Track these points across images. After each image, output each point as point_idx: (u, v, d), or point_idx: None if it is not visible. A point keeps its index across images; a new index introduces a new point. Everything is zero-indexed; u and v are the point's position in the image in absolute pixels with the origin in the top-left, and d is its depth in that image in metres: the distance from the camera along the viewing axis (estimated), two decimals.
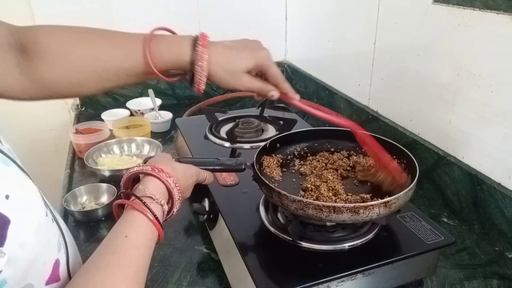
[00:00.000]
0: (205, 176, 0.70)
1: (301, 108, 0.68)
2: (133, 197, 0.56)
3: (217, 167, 0.73)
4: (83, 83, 0.60)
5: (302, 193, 0.71)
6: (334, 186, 0.70)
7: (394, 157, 0.77)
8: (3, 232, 0.38)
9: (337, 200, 0.67)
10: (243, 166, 0.72)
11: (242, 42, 0.66)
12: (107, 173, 1.03)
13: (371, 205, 0.60)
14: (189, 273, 0.76)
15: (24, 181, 0.45)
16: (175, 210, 0.61)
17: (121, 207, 0.58)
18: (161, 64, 0.60)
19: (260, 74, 0.66)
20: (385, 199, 0.61)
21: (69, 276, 0.52)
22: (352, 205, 0.60)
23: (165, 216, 0.59)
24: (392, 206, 0.62)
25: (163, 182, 0.59)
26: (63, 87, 0.59)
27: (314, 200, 0.66)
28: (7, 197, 0.39)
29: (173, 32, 0.64)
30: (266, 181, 0.67)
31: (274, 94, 0.65)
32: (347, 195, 0.69)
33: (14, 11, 1.35)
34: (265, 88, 0.65)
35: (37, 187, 0.49)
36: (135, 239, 0.51)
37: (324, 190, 0.69)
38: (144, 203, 0.54)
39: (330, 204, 0.60)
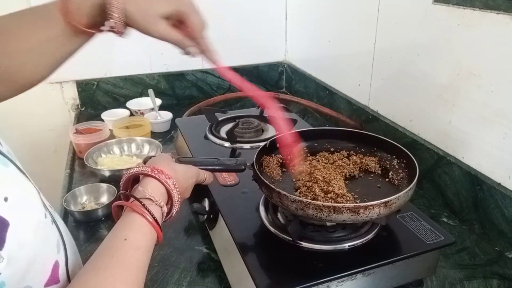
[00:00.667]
0: (205, 176, 0.70)
1: (221, 73, 0.66)
2: (132, 199, 0.56)
3: (217, 167, 0.73)
4: (25, 62, 0.58)
5: (295, 193, 0.71)
6: (328, 186, 0.70)
7: (394, 157, 0.78)
8: (2, 235, 0.38)
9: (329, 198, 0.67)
10: (243, 167, 0.72)
11: None
12: (107, 173, 1.03)
13: (371, 205, 0.60)
14: (189, 273, 0.76)
15: (23, 183, 0.45)
16: (174, 211, 0.61)
17: (121, 208, 0.58)
18: (82, 18, 0.56)
19: (182, 24, 0.61)
20: (385, 199, 0.61)
21: (68, 278, 0.52)
22: (352, 205, 0.60)
23: (164, 217, 0.59)
24: (392, 206, 0.62)
25: (162, 183, 0.59)
26: (17, 74, 0.57)
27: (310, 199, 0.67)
28: (5, 199, 0.39)
29: None
30: (266, 181, 0.67)
31: (191, 50, 0.61)
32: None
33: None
34: (182, 42, 0.61)
35: (37, 188, 0.48)
36: (134, 241, 0.51)
37: (317, 189, 0.69)
38: (143, 205, 0.54)
39: (330, 204, 0.60)
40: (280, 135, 0.71)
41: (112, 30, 0.58)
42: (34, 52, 0.57)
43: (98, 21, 0.57)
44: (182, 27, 0.62)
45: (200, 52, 0.63)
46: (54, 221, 0.51)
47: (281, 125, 0.70)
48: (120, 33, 0.58)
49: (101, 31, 0.59)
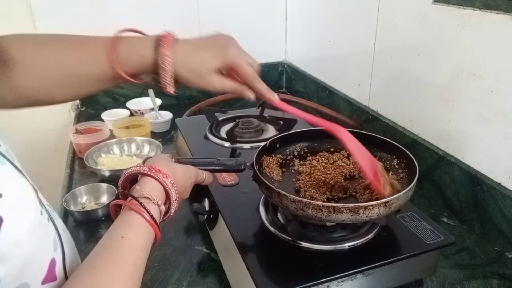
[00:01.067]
0: (204, 176, 0.70)
1: (280, 108, 0.65)
2: (130, 198, 0.56)
3: (217, 167, 0.73)
4: (54, 90, 0.59)
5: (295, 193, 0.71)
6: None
7: (394, 157, 0.78)
8: None
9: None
10: (242, 167, 0.72)
11: (211, 39, 0.62)
12: (107, 173, 1.03)
13: (371, 205, 0.60)
14: (189, 273, 0.76)
15: (18, 180, 0.45)
16: (172, 210, 0.61)
17: (119, 207, 0.58)
18: (127, 67, 0.58)
19: (234, 72, 0.62)
20: (385, 199, 0.61)
21: (66, 276, 0.52)
22: (352, 205, 0.60)
23: (162, 216, 0.59)
24: (392, 206, 0.62)
25: (160, 182, 0.59)
26: (36, 93, 0.59)
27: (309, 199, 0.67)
28: (0, 195, 0.40)
29: (143, 33, 0.62)
30: (266, 181, 0.66)
31: (249, 94, 0.62)
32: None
33: (14, 12, 1.35)
34: (239, 89, 0.62)
35: (34, 187, 0.49)
36: (131, 240, 0.51)
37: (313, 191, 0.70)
38: (141, 203, 0.54)
39: (329, 204, 0.60)
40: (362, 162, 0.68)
41: (160, 86, 0.59)
42: (69, 82, 0.59)
43: (142, 73, 0.60)
44: (233, 73, 0.62)
45: (257, 95, 0.63)
46: (50, 219, 0.51)
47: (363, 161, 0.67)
48: (170, 93, 0.60)
49: (143, 80, 0.61)
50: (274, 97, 0.64)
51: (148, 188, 0.57)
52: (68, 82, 0.59)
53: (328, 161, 0.80)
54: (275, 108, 1.16)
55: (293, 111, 0.66)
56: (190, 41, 0.61)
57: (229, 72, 0.62)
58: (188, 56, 0.59)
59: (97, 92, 0.63)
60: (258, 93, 0.63)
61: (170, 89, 0.59)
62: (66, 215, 0.92)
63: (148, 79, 0.62)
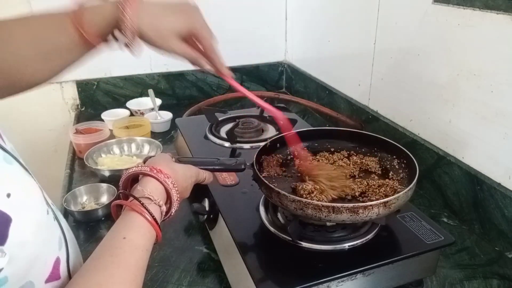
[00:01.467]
0: (205, 176, 0.70)
1: (232, 85, 0.69)
2: (131, 198, 0.56)
3: (217, 167, 0.73)
4: (31, 69, 0.59)
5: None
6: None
7: (394, 157, 0.78)
8: (4, 230, 0.38)
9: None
10: (242, 166, 0.72)
11: (178, 5, 0.62)
12: (107, 173, 1.03)
13: (370, 205, 0.60)
14: (189, 273, 0.76)
15: (26, 180, 0.45)
16: (173, 210, 0.61)
17: (120, 207, 0.58)
18: (92, 30, 0.57)
19: (195, 40, 0.63)
20: (385, 199, 0.61)
21: (69, 275, 0.52)
22: (351, 205, 0.60)
23: (163, 216, 0.59)
24: (391, 206, 0.62)
25: (161, 183, 0.59)
26: (16, 77, 0.58)
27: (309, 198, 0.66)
28: (8, 195, 0.39)
29: None
30: (266, 181, 0.67)
31: (205, 64, 0.63)
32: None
33: (14, 12, 1.35)
34: (197, 59, 0.63)
35: (39, 186, 0.49)
36: (133, 241, 0.51)
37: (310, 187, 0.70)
38: (142, 204, 0.54)
39: (329, 204, 0.60)
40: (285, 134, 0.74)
41: (125, 46, 0.59)
42: (41, 58, 0.58)
43: (109, 34, 0.59)
44: (192, 42, 0.63)
45: (211, 66, 0.65)
46: (56, 218, 0.51)
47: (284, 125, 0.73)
48: (132, 50, 0.60)
49: (109, 42, 0.60)
50: (226, 71, 0.66)
51: (150, 189, 0.57)
52: (42, 59, 0.58)
53: (328, 161, 0.80)
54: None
55: (242, 90, 0.69)
56: (156, 3, 0.60)
57: (188, 40, 0.62)
58: (154, 17, 0.59)
59: (71, 65, 0.61)
60: (213, 64, 0.64)
61: (134, 45, 0.59)
62: (66, 215, 0.92)
63: (119, 44, 0.61)
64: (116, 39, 0.60)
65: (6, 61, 0.57)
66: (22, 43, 0.57)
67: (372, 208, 0.60)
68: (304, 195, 0.68)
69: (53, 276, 0.48)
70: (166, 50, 0.61)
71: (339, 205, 0.60)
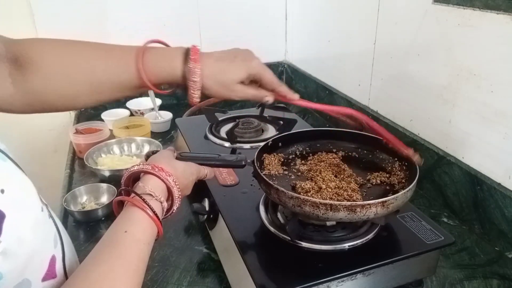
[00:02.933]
0: (206, 172, 0.71)
1: (302, 105, 0.71)
2: (133, 194, 0.56)
3: (217, 163, 0.73)
4: (77, 96, 0.61)
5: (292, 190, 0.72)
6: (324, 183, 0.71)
7: (396, 158, 0.78)
8: None
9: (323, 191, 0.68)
10: (243, 163, 0.72)
11: (232, 53, 0.65)
12: (107, 173, 1.03)
13: (368, 204, 0.60)
14: (189, 273, 0.76)
15: (20, 177, 0.45)
16: (175, 208, 0.62)
17: (121, 204, 0.58)
18: (154, 77, 0.60)
19: (254, 80, 0.66)
20: (383, 199, 0.61)
21: (65, 274, 0.52)
22: (349, 203, 0.60)
23: (164, 213, 0.60)
24: (389, 206, 0.62)
25: (163, 180, 0.60)
26: (57, 99, 0.60)
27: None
28: (2, 191, 0.40)
29: (166, 45, 0.65)
30: (265, 178, 0.67)
31: (269, 99, 0.67)
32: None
33: (14, 12, 1.35)
34: (259, 95, 0.66)
35: (34, 184, 0.49)
36: (134, 234, 0.52)
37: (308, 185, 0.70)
38: (143, 200, 0.55)
39: (326, 201, 0.60)
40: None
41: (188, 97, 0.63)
42: (93, 89, 0.61)
43: (168, 84, 0.63)
44: (257, 81, 0.67)
45: (278, 97, 0.68)
46: (50, 216, 0.51)
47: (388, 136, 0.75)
48: (194, 104, 0.64)
49: (171, 93, 0.65)
50: (295, 96, 0.69)
51: (151, 186, 0.58)
52: (92, 89, 0.60)
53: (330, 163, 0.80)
54: (275, 108, 1.17)
55: (313, 106, 0.72)
56: (214, 54, 0.64)
57: (250, 81, 0.66)
58: (215, 69, 0.62)
59: (117, 99, 0.65)
60: (282, 95, 0.68)
61: (196, 100, 0.62)
62: (66, 215, 0.92)
63: (167, 89, 0.65)
64: (174, 88, 0.64)
65: (55, 94, 0.59)
66: (78, 77, 0.59)
67: (370, 207, 0.60)
68: (302, 193, 0.68)
69: (50, 274, 0.48)
70: (229, 97, 0.65)
71: (336, 203, 0.60)
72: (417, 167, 0.69)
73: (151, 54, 0.60)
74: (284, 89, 0.67)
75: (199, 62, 0.60)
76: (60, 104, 0.62)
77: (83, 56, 0.60)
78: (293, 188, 0.71)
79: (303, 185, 0.69)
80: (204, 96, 0.64)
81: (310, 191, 0.68)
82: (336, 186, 0.69)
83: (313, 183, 0.70)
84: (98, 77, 0.60)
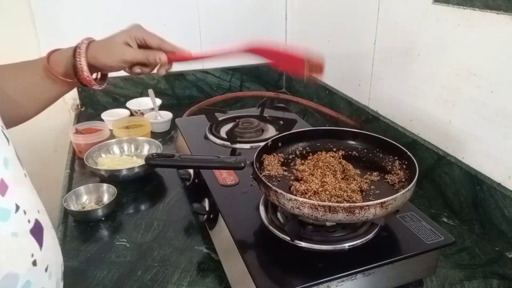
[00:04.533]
0: (156, 56, 0.71)
1: (198, 58, 0.73)
2: None
3: (217, 165, 0.73)
4: (17, 106, 0.67)
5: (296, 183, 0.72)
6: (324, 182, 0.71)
7: (396, 158, 0.78)
8: None
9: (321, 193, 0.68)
10: (242, 164, 0.72)
11: (121, 30, 0.71)
12: (107, 173, 1.02)
13: (367, 205, 0.60)
14: (189, 273, 0.76)
15: None
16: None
17: None
18: (57, 68, 0.67)
19: (142, 46, 0.70)
20: (381, 200, 0.61)
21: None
22: (347, 205, 0.60)
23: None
24: (388, 206, 0.62)
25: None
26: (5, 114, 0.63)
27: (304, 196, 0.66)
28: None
29: None
30: (264, 179, 0.67)
31: (161, 56, 0.69)
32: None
33: (14, 12, 1.35)
34: (150, 55, 0.69)
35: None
36: None
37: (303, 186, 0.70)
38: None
39: (325, 203, 0.60)
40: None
41: (87, 81, 0.69)
42: (24, 93, 0.67)
43: (72, 72, 0.68)
44: (144, 43, 0.71)
45: (172, 56, 0.71)
46: None
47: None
48: (85, 80, 0.69)
49: (76, 81, 0.69)
50: (185, 52, 0.72)
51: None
52: (23, 95, 0.68)
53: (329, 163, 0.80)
54: (275, 108, 1.17)
55: (211, 53, 0.73)
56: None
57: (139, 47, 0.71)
58: (99, 43, 0.69)
59: (49, 102, 0.71)
60: (172, 51, 0.71)
61: (86, 74, 0.68)
62: (66, 215, 0.92)
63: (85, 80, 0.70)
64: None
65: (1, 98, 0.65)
66: (10, 80, 0.66)
67: (368, 208, 0.60)
68: (298, 195, 0.68)
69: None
70: (119, 62, 0.69)
71: (335, 204, 0.60)
72: (417, 167, 0.69)
73: (55, 52, 0.69)
74: (171, 45, 0.70)
75: (84, 43, 0.68)
76: (15, 120, 0.68)
77: (12, 70, 0.68)
78: (290, 189, 0.71)
79: (298, 187, 0.70)
80: (96, 70, 0.69)
81: (307, 193, 0.68)
82: (336, 187, 0.69)
83: (312, 184, 0.70)
84: (24, 82, 0.68)
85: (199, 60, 0.72)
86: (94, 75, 0.71)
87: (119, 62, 0.68)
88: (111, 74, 0.76)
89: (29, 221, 0.45)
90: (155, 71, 0.73)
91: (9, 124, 0.62)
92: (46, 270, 0.46)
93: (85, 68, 0.67)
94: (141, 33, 0.70)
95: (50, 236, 0.50)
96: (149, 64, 0.71)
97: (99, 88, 0.72)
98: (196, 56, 0.73)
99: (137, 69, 0.71)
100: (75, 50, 0.67)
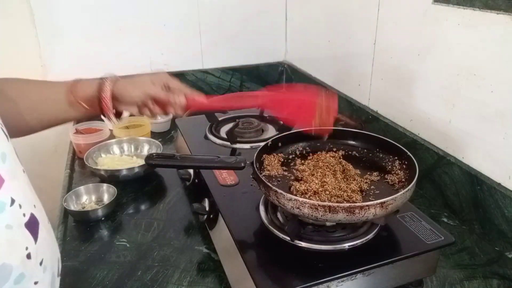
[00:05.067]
0: (177, 100, 0.75)
1: (212, 108, 0.78)
2: None
3: (217, 165, 0.73)
4: (24, 117, 0.68)
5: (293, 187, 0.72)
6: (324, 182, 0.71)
7: (396, 158, 0.78)
8: None
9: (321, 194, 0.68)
10: (242, 164, 0.72)
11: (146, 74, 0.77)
12: (107, 173, 1.02)
13: (367, 206, 0.60)
14: (189, 273, 0.76)
15: None
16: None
17: None
18: (80, 94, 0.70)
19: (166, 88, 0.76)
20: (381, 200, 0.61)
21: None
22: (347, 205, 0.60)
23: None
24: (388, 207, 0.62)
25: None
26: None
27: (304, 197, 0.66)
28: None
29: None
30: (264, 179, 0.67)
31: (181, 98, 0.75)
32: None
33: (14, 12, 1.35)
34: (172, 96, 0.74)
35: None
36: None
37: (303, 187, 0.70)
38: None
39: (325, 203, 0.60)
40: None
41: (106, 110, 0.72)
42: (37, 108, 0.69)
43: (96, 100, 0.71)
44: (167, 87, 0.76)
45: (189, 101, 0.76)
46: None
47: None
48: (111, 117, 0.72)
49: (95, 109, 0.72)
50: (201, 97, 0.77)
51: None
52: (36, 110, 0.69)
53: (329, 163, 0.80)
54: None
55: (223, 106, 0.80)
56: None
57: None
58: (126, 79, 0.74)
59: (58, 123, 0.73)
60: (191, 98, 0.76)
61: (109, 103, 0.71)
62: (66, 215, 0.92)
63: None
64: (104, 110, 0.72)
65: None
66: (28, 93, 0.69)
67: (368, 208, 0.60)
68: (297, 195, 0.68)
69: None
70: (143, 95, 0.72)
71: (335, 204, 0.60)
72: (417, 167, 0.69)
73: (78, 80, 0.72)
74: (190, 91, 0.76)
75: (110, 79, 0.72)
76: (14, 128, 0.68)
77: (33, 83, 0.71)
78: (290, 189, 0.71)
79: (298, 187, 0.70)
80: (115, 104, 0.72)
81: (307, 193, 0.68)
82: (336, 187, 0.69)
83: (312, 184, 0.70)
84: (41, 97, 0.70)
85: (215, 109, 0.78)
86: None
87: (142, 93, 0.72)
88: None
89: (24, 215, 0.46)
90: (169, 112, 0.77)
91: (11, 134, 0.63)
92: (40, 264, 0.47)
93: (108, 95, 0.71)
94: (166, 78, 0.76)
95: (46, 231, 0.50)
96: (168, 103, 0.75)
97: (115, 122, 0.76)
98: (215, 106, 0.79)
99: (151, 105, 0.75)
100: (102, 80, 0.71)
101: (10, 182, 0.44)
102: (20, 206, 0.45)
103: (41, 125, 0.71)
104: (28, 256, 0.45)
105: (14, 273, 0.43)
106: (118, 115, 0.76)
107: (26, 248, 0.45)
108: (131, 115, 0.78)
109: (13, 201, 0.44)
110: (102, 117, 0.73)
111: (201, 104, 0.77)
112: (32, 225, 0.47)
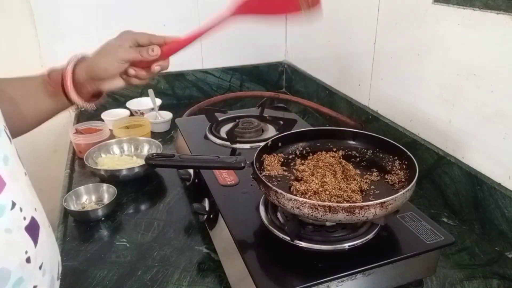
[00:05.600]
0: (154, 50, 0.70)
1: (191, 40, 0.71)
2: None
3: (216, 165, 0.73)
4: (18, 118, 0.68)
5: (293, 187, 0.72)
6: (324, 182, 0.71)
7: (396, 158, 0.78)
8: None
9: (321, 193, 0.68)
10: (242, 164, 0.72)
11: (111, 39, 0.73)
12: (107, 173, 1.02)
13: (367, 206, 0.60)
14: (189, 273, 0.76)
15: None
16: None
17: None
18: (56, 82, 0.69)
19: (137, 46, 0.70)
20: (381, 200, 0.61)
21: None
22: (347, 205, 0.60)
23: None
24: (388, 207, 0.62)
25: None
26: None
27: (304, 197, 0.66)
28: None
29: None
30: (264, 179, 0.67)
31: (153, 48, 0.69)
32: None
33: (14, 12, 1.35)
34: (142, 49, 0.68)
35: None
36: None
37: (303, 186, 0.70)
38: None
39: (325, 203, 0.60)
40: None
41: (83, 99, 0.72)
42: (26, 101, 0.69)
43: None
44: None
45: (161, 47, 0.70)
46: None
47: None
48: (68, 90, 0.70)
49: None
50: (177, 37, 0.72)
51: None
52: (20, 104, 0.69)
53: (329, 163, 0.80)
54: (275, 108, 1.17)
55: (201, 30, 0.72)
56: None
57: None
58: (93, 53, 0.71)
59: (44, 116, 0.73)
60: (162, 42, 0.70)
61: (69, 85, 0.69)
62: (66, 215, 0.92)
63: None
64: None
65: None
66: (10, 87, 0.68)
67: (368, 208, 0.60)
68: (297, 195, 0.68)
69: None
70: (115, 62, 0.68)
71: (335, 204, 0.60)
72: (417, 166, 0.69)
73: (55, 69, 0.71)
74: (161, 38, 0.70)
75: (75, 57, 0.70)
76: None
77: (11, 80, 0.69)
78: (290, 189, 0.71)
79: (298, 187, 0.70)
80: (95, 81, 0.70)
81: (307, 193, 0.68)
82: (336, 187, 0.69)
83: (312, 184, 0.70)
84: (23, 90, 0.69)
85: (194, 42, 0.71)
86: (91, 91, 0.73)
87: (115, 61, 0.68)
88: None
89: (24, 218, 0.46)
90: (152, 71, 0.72)
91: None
92: (40, 267, 0.47)
93: (69, 74, 0.69)
94: (130, 34, 0.70)
95: (47, 234, 0.50)
96: (144, 59, 0.69)
97: (82, 104, 0.73)
98: (189, 38, 0.71)
99: (131, 70, 0.70)
100: (66, 62, 0.70)
101: (12, 185, 0.44)
102: (20, 209, 0.45)
103: (34, 120, 0.72)
104: (28, 260, 0.45)
105: (12, 277, 0.43)
106: (98, 96, 0.74)
107: (26, 252, 0.45)
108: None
109: (14, 204, 0.44)
110: (76, 102, 0.71)
111: (177, 44, 0.71)
112: (32, 229, 0.47)
